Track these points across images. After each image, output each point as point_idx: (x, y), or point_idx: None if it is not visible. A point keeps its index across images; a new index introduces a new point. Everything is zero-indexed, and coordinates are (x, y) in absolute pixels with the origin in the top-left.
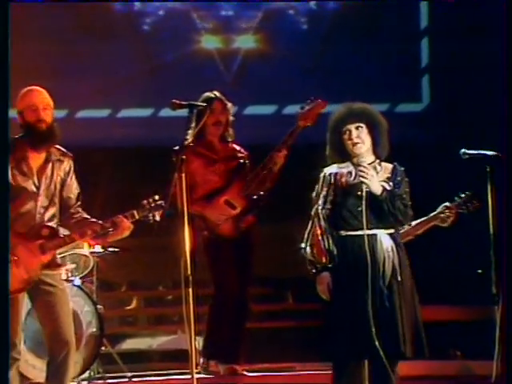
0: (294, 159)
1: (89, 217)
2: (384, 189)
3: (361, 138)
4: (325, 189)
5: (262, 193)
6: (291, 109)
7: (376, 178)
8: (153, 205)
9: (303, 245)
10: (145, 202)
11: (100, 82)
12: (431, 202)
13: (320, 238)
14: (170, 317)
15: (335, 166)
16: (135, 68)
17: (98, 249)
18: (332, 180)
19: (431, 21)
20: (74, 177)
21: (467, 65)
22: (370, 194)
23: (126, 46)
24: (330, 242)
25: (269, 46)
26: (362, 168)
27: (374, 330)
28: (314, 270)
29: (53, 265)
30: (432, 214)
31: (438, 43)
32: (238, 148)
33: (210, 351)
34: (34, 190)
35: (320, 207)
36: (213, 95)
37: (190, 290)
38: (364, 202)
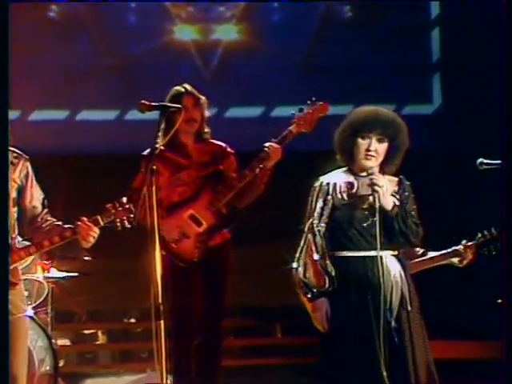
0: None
1: (60, 223)
2: (395, 204)
3: (378, 153)
4: (321, 200)
5: (236, 208)
6: (281, 111)
7: (389, 189)
8: (120, 209)
9: (295, 265)
10: (109, 205)
11: (57, 79)
12: (444, 219)
13: (316, 257)
14: (137, 353)
15: (332, 174)
16: (97, 63)
17: (54, 273)
18: (330, 191)
19: (442, 10)
20: (34, 181)
21: (483, 61)
22: (379, 208)
23: (85, 38)
24: (328, 262)
25: (254, 38)
26: (374, 177)
27: (385, 373)
28: (308, 295)
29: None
30: (452, 249)
31: (450, 36)
32: (222, 146)
33: None
34: None
35: (315, 222)
36: (182, 89)
37: (162, 321)
38: (372, 218)
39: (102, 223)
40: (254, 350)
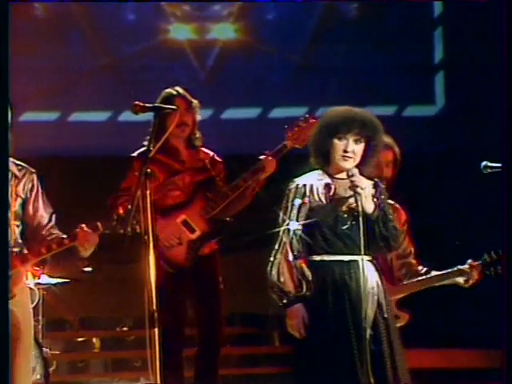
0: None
1: (65, 236)
2: (375, 207)
3: (355, 155)
4: (297, 202)
5: (227, 218)
6: (279, 112)
7: (370, 192)
8: (122, 214)
9: (268, 269)
10: (111, 211)
11: (48, 79)
12: (446, 225)
13: (291, 261)
14: (130, 362)
15: (307, 175)
16: (89, 63)
17: (45, 279)
18: (307, 192)
19: (446, 9)
20: (41, 195)
21: (487, 61)
22: (361, 212)
23: (78, 38)
24: (304, 265)
25: (251, 37)
26: (355, 178)
27: (372, 380)
28: (284, 301)
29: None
30: (457, 268)
31: (453, 36)
32: (210, 154)
33: None
34: None
35: (291, 224)
36: (174, 92)
37: (156, 329)
38: (351, 221)
39: (101, 229)
40: (252, 359)
